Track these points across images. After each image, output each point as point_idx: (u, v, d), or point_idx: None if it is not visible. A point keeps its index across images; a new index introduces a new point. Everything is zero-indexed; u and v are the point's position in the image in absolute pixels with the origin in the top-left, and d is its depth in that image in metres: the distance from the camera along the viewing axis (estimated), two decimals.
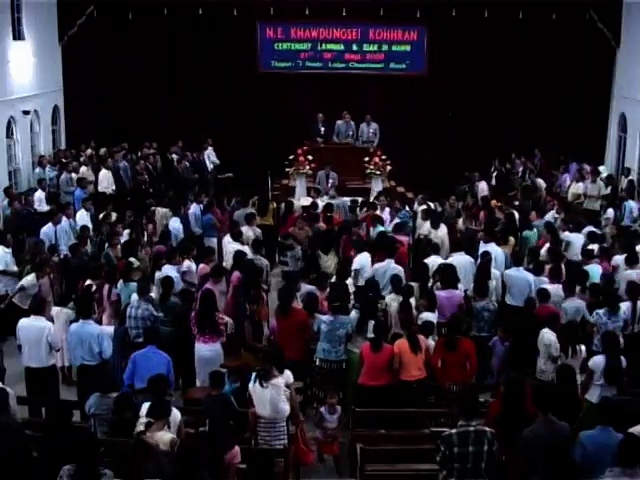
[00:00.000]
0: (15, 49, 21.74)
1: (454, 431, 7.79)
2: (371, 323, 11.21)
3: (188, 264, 13.98)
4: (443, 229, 16.08)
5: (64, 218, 16.43)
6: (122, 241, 15.31)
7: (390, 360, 10.67)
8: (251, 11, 24.73)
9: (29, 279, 13.57)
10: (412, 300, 12.04)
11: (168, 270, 13.27)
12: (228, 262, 14.42)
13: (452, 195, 19.31)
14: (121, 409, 8.92)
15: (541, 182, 21.39)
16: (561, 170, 22.63)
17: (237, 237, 15.21)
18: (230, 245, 14.98)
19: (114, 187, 21.01)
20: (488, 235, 15.18)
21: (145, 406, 8.64)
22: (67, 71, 25.01)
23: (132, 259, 14.00)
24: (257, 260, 14.18)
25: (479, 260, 14.15)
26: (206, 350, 11.31)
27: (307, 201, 18.93)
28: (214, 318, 11.37)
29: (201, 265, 13.94)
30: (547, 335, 10.83)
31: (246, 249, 14.58)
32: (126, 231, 16.01)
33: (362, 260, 14.06)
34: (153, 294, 12.28)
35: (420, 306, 11.98)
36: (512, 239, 15.92)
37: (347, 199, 19.44)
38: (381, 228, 16.23)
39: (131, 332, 11.73)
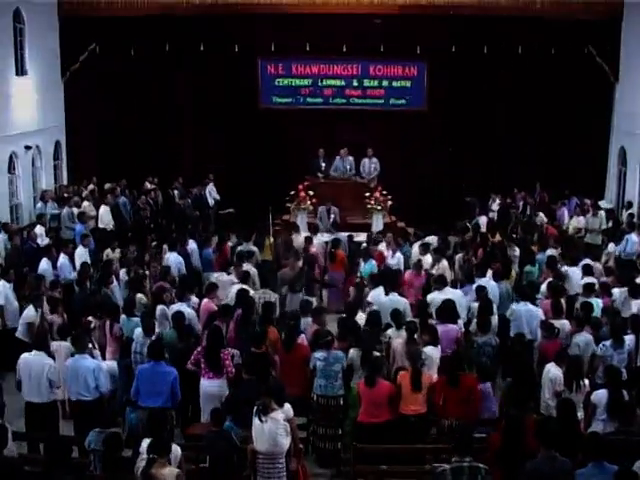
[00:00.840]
0: (18, 85, 21.89)
1: (448, 467, 7.76)
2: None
3: (195, 301, 13.97)
4: (444, 263, 16.11)
5: (62, 255, 16.46)
6: (123, 279, 15.37)
7: (388, 395, 10.63)
8: (252, 47, 24.88)
9: (31, 312, 13.60)
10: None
11: (179, 306, 13.18)
12: (227, 299, 14.29)
13: (452, 229, 19.44)
14: (111, 449, 8.80)
15: (542, 216, 21.44)
16: (559, 204, 22.68)
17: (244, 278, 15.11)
18: (234, 286, 14.77)
19: (114, 223, 21.05)
20: (480, 270, 15.25)
21: (145, 443, 8.59)
22: (69, 107, 25.14)
23: (139, 295, 13.98)
24: (266, 294, 14.16)
25: (469, 295, 14.21)
26: (211, 386, 11.26)
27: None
28: (220, 355, 11.34)
29: (205, 300, 13.90)
30: (553, 370, 10.78)
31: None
32: (123, 270, 15.95)
33: (377, 294, 14.09)
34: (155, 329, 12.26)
35: (422, 340, 11.94)
36: (513, 273, 15.96)
37: (345, 234, 19.46)
38: (373, 263, 16.34)
39: (136, 368, 11.67)
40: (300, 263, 16.43)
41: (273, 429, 9.17)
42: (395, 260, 16.87)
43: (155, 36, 24.19)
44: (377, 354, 11.42)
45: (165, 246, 17.60)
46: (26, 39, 22.38)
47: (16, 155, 21.87)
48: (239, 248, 17.35)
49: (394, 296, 13.69)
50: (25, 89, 22.35)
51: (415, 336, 11.91)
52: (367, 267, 16.34)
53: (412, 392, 10.72)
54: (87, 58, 24.50)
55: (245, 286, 14.32)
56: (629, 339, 11.92)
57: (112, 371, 11.86)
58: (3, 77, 21.06)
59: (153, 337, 11.83)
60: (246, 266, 15.62)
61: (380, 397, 10.63)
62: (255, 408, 9.34)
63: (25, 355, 11.15)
